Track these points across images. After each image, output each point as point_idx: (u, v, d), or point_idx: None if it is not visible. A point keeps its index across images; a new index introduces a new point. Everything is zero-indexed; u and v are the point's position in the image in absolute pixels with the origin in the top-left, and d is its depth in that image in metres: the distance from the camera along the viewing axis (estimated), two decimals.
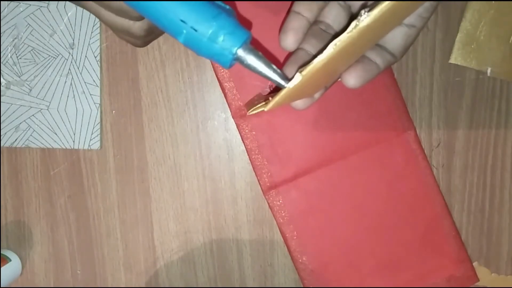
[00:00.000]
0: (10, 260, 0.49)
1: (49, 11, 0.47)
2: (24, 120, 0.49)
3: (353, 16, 0.36)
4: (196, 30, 0.27)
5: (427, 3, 0.34)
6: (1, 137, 0.49)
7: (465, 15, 0.45)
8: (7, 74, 0.48)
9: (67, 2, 0.47)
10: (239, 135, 0.46)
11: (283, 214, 0.46)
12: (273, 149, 0.46)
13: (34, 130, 0.49)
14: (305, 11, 0.34)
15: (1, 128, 0.49)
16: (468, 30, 0.45)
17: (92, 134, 0.48)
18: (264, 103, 0.34)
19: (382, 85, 0.45)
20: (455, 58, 0.46)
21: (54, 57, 0.48)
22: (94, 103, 0.48)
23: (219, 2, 0.29)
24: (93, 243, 0.50)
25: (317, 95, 0.36)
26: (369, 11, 0.26)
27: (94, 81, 0.48)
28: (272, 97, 0.32)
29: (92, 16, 0.47)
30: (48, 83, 0.48)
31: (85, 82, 0.48)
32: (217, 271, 0.49)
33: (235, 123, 0.46)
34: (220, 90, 0.47)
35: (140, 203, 0.49)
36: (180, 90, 0.48)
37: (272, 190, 0.46)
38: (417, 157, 0.46)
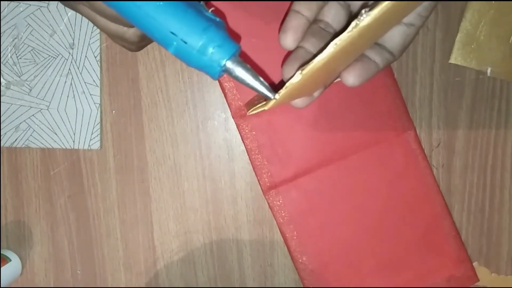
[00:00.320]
0: (10, 260, 0.49)
1: (49, 11, 0.47)
2: (24, 120, 0.49)
3: (352, 15, 0.36)
4: (186, 42, 0.27)
5: (426, 3, 0.34)
6: (1, 137, 0.49)
7: (465, 15, 0.45)
8: (7, 74, 0.48)
9: None
10: (239, 135, 0.46)
11: (283, 214, 0.46)
12: (273, 149, 0.46)
13: (34, 130, 0.49)
14: (305, 10, 0.34)
15: (1, 128, 0.49)
16: (468, 30, 0.45)
17: (92, 134, 0.48)
18: (264, 102, 0.34)
19: (382, 85, 0.45)
20: (455, 58, 0.46)
21: (54, 57, 0.48)
22: (94, 103, 0.48)
23: (210, 14, 0.29)
24: (93, 243, 0.50)
25: (316, 94, 0.36)
26: (369, 10, 0.26)
27: (94, 81, 0.48)
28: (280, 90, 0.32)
29: None
30: (48, 83, 0.48)
31: (85, 82, 0.48)
32: (217, 271, 0.49)
33: (235, 123, 0.46)
34: (220, 90, 0.47)
35: (140, 203, 0.49)
36: (180, 90, 0.48)
37: (272, 190, 0.46)
38: (417, 157, 0.46)
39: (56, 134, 0.49)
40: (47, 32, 0.48)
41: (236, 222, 0.49)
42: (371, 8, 0.26)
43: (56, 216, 0.50)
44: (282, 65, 0.34)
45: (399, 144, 0.46)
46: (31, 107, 0.49)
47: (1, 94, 0.49)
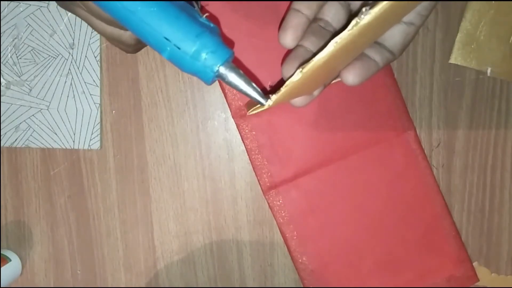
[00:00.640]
0: (10, 260, 0.49)
1: (49, 11, 0.47)
2: (24, 120, 0.49)
3: (352, 14, 0.37)
4: (179, 48, 0.28)
5: (426, 2, 0.34)
6: (1, 137, 0.49)
7: (465, 15, 0.45)
8: (7, 74, 0.48)
9: None
10: (239, 135, 0.46)
11: (283, 214, 0.46)
12: (273, 149, 0.46)
13: (34, 130, 0.49)
14: (305, 8, 0.34)
15: (1, 128, 0.49)
16: (468, 30, 0.45)
17: (92, 134, 0.48)
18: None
19: (382, 85, 0.45)
20: (455, 58, 0.46)
21: (54, 57, 0.48)
22: (94, 103, 0.48)
23: (204, 20, 0.30)
24: (93, 243, 0.50)
25: (316, 93, 0.36)
26: (370, 9, 0.26)
27: (94, 81, 0.48)
28: (272, 94, 0.32)
29: None
30: (48, 83, 0.48)
31: (85, 82, 0.48)
32: (217, 271, 0.49)
33: (235, 123, 0.46)
34: (220, 90, 0.47)
35: (140, 203, 0.49)
36: (180, 90, 0.48)
37: (272, 190, 0.46)
38: (417, 157, 0.46)
39: (56, 134, 0.49)
40: (47, 32, 0.48)
41: (236, 222, 0.49)
42: (372, 6, 0.26)
43: (56, 216, 0.50)
44: (282, 63, 0.34)
45: (399, 144, 0.46)
46: (31, 107, 0.49)
47: (1, 94, 0.49)
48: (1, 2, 0.47)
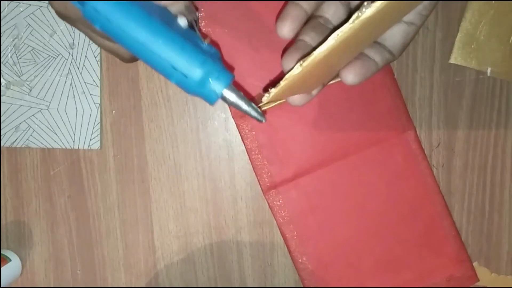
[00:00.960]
0: (10, 260, 0.49)
1: (49, 11, 0.47)
2: (24, 120, 0.49)
3: (352, 12, 0.37)
4: (186, 76, 0.30)
5: (426, 2, 0.34)
6: (1, 137, 0.49)
7: (465, 15, 0.45)
8: (7, 74, 0.48)
9: None
10: (239, 135, 0.46)
11: (283, 214, 0.46)
12: (273, 149, 0.46)
13: (34, 130, 0.49)
14: (304, 3, 0.34)
15: (1, 128, 0.49)
16: (468, 30, 0.45)
17: (92, 134, 0.48)
18: (263, 101, 0.34)
19: (382, 85, 0.45)
20: (455, 58, 0.46)
21: (54, 57, 0.48)
22: (94, 103, 0.48)
23: (206, 46, 0.32)
24: (93, 243, 0.50)
25: (314, 92, 0.36)
26: (371, 2, 0.26)
27: (94, 81, 0.48)
28: (272, 88, 0.32)
29: None
30: (48, 83, 0.48)
31: (85, 82, 0.48)
32: (217, 271, 0.49)
33: (235, 123, 0.46)
34: None
35: (140, 203, 0.49)
36: (180, 90, 0.47)
37: (272, 190, 0.46)
38: (417, 157, 0.46)
39: (56, 134, 0.49)
40: (47, 32, 0.48)
41: (236, 222, 0.49)
42: (373, 0, 0.27)
43: (56, 216, 0.50)
44: (281, 56, 0.34)
45: (399, 144, 0.46)
46: (31, 107, 0.49)
47: (1, 94, 0.49)
48: (1, 2, 0.47)
